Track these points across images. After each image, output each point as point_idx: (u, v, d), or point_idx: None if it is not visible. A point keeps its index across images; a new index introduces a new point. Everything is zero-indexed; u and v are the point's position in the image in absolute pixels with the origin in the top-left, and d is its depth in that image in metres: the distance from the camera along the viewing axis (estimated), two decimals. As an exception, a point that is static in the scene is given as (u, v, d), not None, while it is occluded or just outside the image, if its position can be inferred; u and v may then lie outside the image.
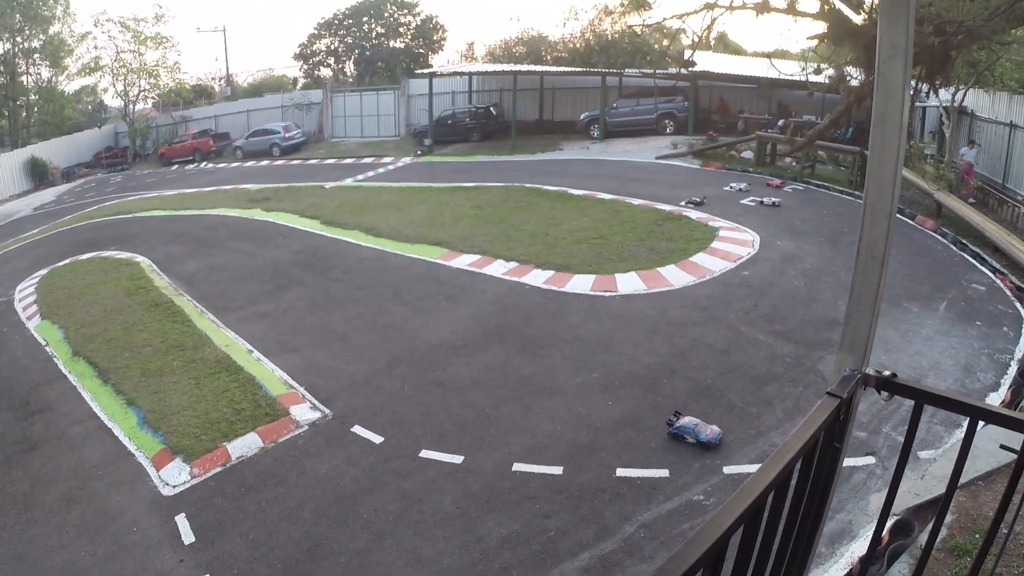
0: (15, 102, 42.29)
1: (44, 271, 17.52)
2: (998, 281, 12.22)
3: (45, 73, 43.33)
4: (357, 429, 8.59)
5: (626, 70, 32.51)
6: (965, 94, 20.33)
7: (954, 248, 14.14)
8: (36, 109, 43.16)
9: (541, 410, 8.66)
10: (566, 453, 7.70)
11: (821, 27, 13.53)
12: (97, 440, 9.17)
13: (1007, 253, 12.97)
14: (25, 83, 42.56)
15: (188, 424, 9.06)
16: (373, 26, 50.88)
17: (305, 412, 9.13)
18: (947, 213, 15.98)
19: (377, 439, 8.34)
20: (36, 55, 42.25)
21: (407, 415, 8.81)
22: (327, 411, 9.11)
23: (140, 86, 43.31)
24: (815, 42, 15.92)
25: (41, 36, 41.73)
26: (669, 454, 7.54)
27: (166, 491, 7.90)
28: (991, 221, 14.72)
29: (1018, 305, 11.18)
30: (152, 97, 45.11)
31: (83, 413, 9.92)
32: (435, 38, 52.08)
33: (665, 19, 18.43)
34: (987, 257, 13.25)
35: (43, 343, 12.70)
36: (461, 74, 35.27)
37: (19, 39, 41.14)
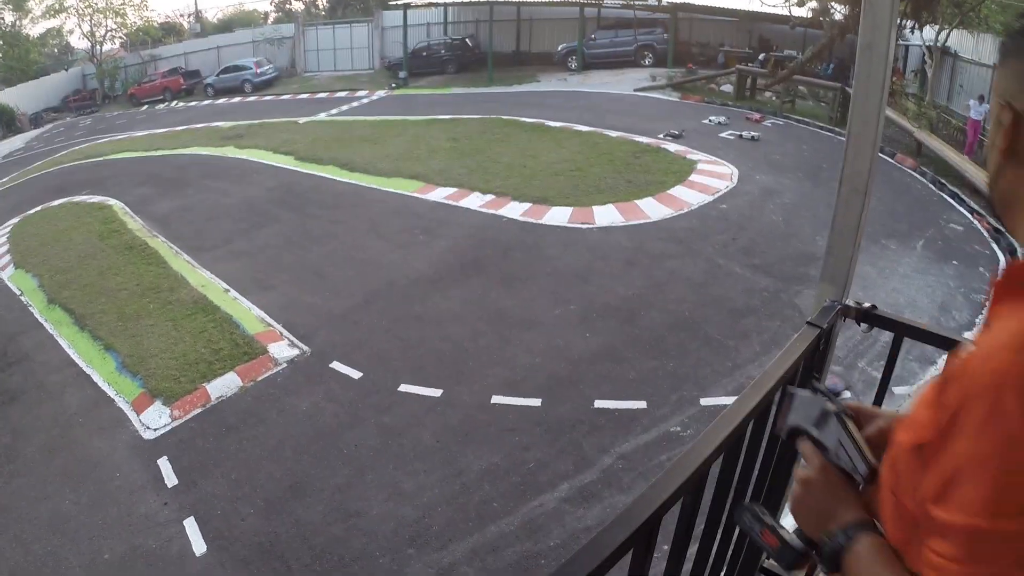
0: (-23, 47, 41.16)
1: (15, 219, 17.18)
2: (976, 222, 12.25)
3: (8, 17, 42.01)
4: (336, 365, 8.59)
5: (605, 1, 31.99)
6: (949, 34, 20.16)
7: (933, 187, 14.12)
8: (0, 55, 42.04)
9: (519, 343, 8.68)
10: (544, 385, 7.74)
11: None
12: (76, 387, 9.14)
13: (985, 194, 12.92)
14: (-12, 28, 41.40)
15: (166, 366, 9.03)
16: (345, -44, 49.66)
17: (283, 349, 9.11)
18: (927, 152, 15.91)
19: (356, 375, 8.35)
20: (-3, -1, 41.04)
21: (386, 350, 8.81)
22: (305, 348, 9.10)
23: (107, 26, 42.08)
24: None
25: (2, -21, 40.49)
26: (646, 386, 7.59)
27: (147, 435, 7.91)
28: (970, 162, 14.68)
29: (994, 246, 11.23)
30: (119, 37, 43.88)
31: (61, 361, 9.85)
32: (409, -32, 50.94)
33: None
34: (966, 198, 13.24)
35: (17, 292, 12.55)
36: (436, 4, 34.52)
37: (-21, -17, 39.90)
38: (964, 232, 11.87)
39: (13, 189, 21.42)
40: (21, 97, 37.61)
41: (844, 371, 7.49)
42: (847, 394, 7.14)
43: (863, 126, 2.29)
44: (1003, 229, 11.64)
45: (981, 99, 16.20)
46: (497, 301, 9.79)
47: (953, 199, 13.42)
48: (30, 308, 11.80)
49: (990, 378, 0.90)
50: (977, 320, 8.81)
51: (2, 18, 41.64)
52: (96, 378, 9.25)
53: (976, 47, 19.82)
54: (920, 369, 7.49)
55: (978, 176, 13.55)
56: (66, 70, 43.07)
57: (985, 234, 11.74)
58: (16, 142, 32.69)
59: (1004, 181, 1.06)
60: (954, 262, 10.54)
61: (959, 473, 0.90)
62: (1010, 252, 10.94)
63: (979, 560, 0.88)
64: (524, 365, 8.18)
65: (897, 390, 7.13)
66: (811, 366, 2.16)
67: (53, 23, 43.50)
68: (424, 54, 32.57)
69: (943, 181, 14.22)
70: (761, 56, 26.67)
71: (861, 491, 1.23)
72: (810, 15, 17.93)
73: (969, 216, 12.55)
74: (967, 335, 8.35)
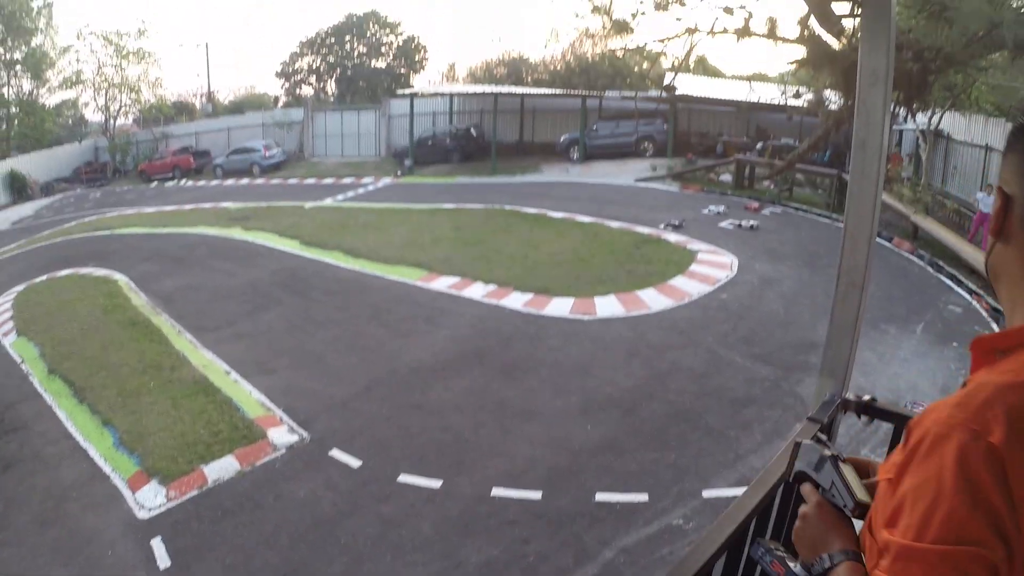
0: (-5, 114, 42.04)
1: (21, 287, 17.33)
2: (974, 302, 12.41)
3: (26, 85, 43.10)
4: (335, 452, 8.54)
5: (606, 92, 32.81)
6: (941, 117, 20.66)
7: (931, 270, 14.36)
8: (16, 122, 42.79)
9: (520, 434, 8.68)
10: (545, 477, 7.71)
11: (801, 52, 13.73)
12: (72, 461, 9.05)
13: (983, 274, 13.07)
14: (6, 95, 42.26)
15: (164, 446, 8.98)
16: (355, 45, 51.08)
17: (283, 435, 9.08)
18: (924, 235, 16.20)
19: (355, 463, 8.30)
20: (18, 67, 41.98)
21: (386, 438, 8.79)
22: (305, 434, 9.06)
23: (121, 101, 43.23)
24: (794, 66, 16.16)
25: (23, 47, 41.48)
26: (648, 478, 7.57)
27: (142, 514, 7.81)
28: (967, 243, 14.92)
29: (994, 326, 11.33)
30: (133, 113, 44.95)
31: (59, 433, 9.79)
32: (417, 58, 52.36)
33: (646, 44, 18.69)
34: (963, 279, 13.45)
35: (19, 360, 12.56)
36: (442, 95, 35.46)
37: (1, 50, 40.92)
38: (963, 313, 12.00)
39: (20, 256, 21.65)
40: (34, 165, 38.28)
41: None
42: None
43: (859, 221, 2.39)
44: (1001, 309, 11.74)
45: (990, 188, 15.32)
46: (498, 392, 9.81)
47: (951, 281, 13.61)
48: (30, 377, 11.78)
49: (933, 426, 1.12)
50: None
51: (20, 86, 42.61)
52: (93, 452, 9.16)
53: (968, 128, 20.27)
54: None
55: (975, 257, 13.75)
56: (79, 142, 43.91)
57: (984, 314, 11.88)
58: (26, 209, 33.14)
59: (993, 257, 1.29)
60: (954, 344, 10.62)
61: (903, 501, 1.12)
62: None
63: (901, 574, 1.07)
64: (525, 457, 8.17)
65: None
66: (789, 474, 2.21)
67: (69, 94, 44.69)
68: (429, 143, 33.26)
69: (941, 263, 14.44)
70: (759, 145, 27.26)
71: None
72: (806, 105, 18.42)
73: (968, 297, 12.71)
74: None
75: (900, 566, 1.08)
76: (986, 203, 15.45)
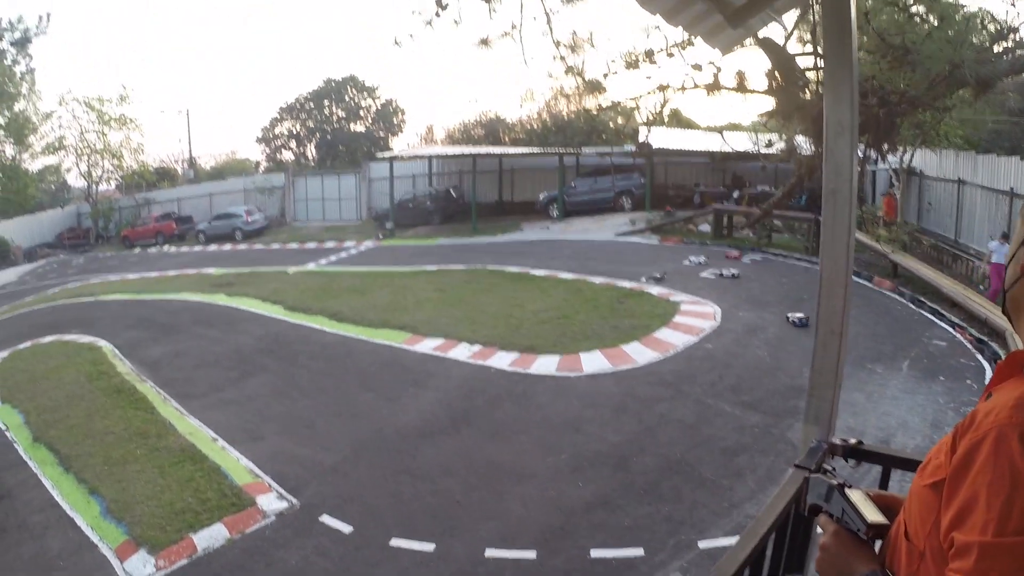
0: (-23, 179, 42.05)
1: (4, 353, 17.19)
2: (958, 335, 12.62)
3: (9, 151, 43.21)
4: (325, 519, 8.46)
5: (583, 149, 33.31)
6: (912, 155, 21.08)
7: (912, 306, 14.62)
8: (-1, 187, 42.93)
9: (512, 494, 8.64)
10: (539, 537, 7.67)
11: (770, 102, 14.02)
12: (59, 530, 8.90)
13: (964, 307, 13.37)
14: (-11, 160, 42.41)
15: (152, 514, 8.86)
16: (334, 110, 51.71)
17: (272, 502, 8.99)
18: (903, 272, 16.47)
19: (346, 528, 8.23)
20: (0, 132, 42.17)
21: (376, 503, 8.72)
22: (294, 500, 8.97)
23: (104, 167, 43.36)
24: (765, 117, 16.51)
25: (6, 112, 41.67)
26: (643, 532, 7.55)
27: (130, 584, 7.71)
28: (946, 277, 15.20)
29: (980, 357, 11.52)
30: (115, 178, 45.09)
31: (44, 501, 9.64)
32: (395, 121, 53.04)
33: (620, 102, 19.03)
34: (945, 312, 13.68)
35: (3, 427, 12.40)
36: (421, 157, 35.83)
37: (-16, 115, 41.13)
38: (948, 347, 12.18)
39: (3, 323, 21.54)
40: (17, 230, 38.29)
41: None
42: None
43: (834, 267, 2.47)
44: (985, 340, 11.92)
45: (1005, 238, 14.45)
46: (488, 452, 9.78)
47: (934, 316, 13.85)
48: (15, 444, 11.63)
49: (993, 427, 1.17)
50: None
51: (3, 151, 42.70)
52: (80, 522, 9.02)
53: (940, 164, 20.69)
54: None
55: (955, 290, 13.95)
56: (62, 207, 44.06)
57: (969, 346, 12.05)
58: (9, 275, 33.07)
59: (1017, 289, 1.35)
60: (941, 378, 10.77)
61: (972, 502, 1.16)
62: (995, 361, 11.17)
63: (988, 571, 1.11)
64: (517, 517, 8.12)
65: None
66: (802, 508, 2.25)
67: (52, 160, 44.74)
68: (410, 205, 33.54)
69: (922, 299, 14.70)
70: (736, 194, 27.68)
71: (880, 547, 1.50)
72: (779, 153, 18.79)
73: (951, 330, 12.90)
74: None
75: (986, 564, 1.12)
76: (1000, 253, 14.52)
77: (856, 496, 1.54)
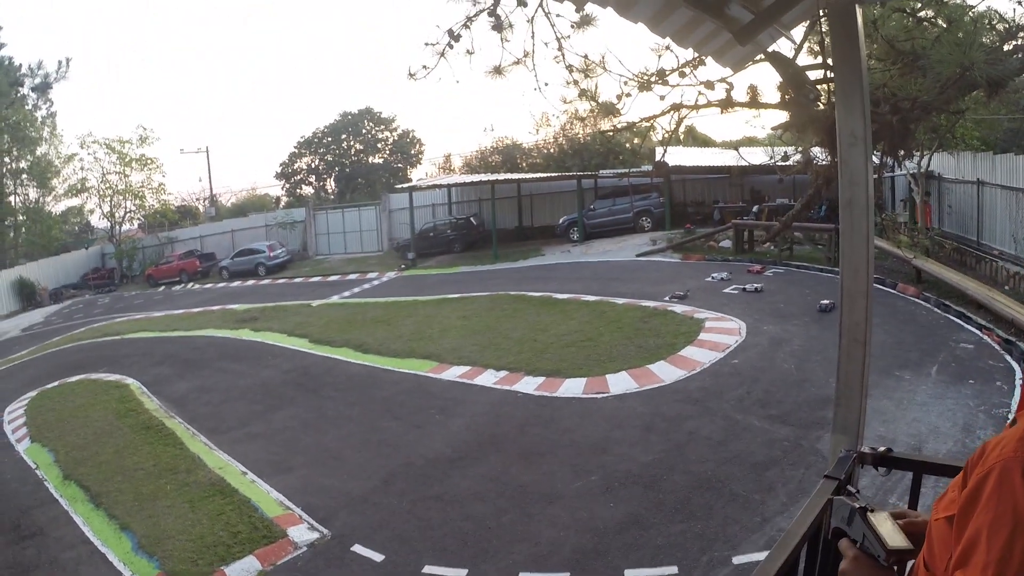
0: (3, 222, 42.97)
1: (33, 393, 17.46)
2: (985, 337, 12.46)
3: (32, 194, 44.12)
4: (357, 548, 8.47)
5: (600, 171, 33.36)
6: (930, 159, 20.93)
7: (938, 311, 14.46)
8: (24, 229, 43.71)
9: (543, 517, 8.61)
10: (571, 559, 7.64)
11: (783, 116, 13.95)
12: (91, 566, 8.99)
13: (990, 308, 13.19)
14: (13, 203, 43.30)
15: (184, 549, 8.91)
16: (352, 143, 52.20)
17: (303, 533, 9.02)
18: (927, 277, 16.30)
19: (378, 557, 8.23)
20: (24, 176, 43.01)
21: (407, 531, 8.72)
22: (325, 531, 9.00)
23: (126, 207, 43.93)
24: (779, 131, 16.43)
25: (29, 157, 42.66)
26: (676, 550, 7.50)
27: (165, 620, 7.75)
28: (971, 279, 15.02)
29: (1008, 358, 11.38)
30: (138, 218, 45.67)
31: (75, 538, 9.74)
32: (413, 152, 53.45)
33: (635, 122, 18.98)
34: (971, 315, 13.51)
35: (33, 466, 12.58)
36: (440, 186, 35.99)
37: (7, 160, 42.03)
38: (975, 350, 12.03)
39: (32, 362, 21.85)
40: (42, 272, 38.85)
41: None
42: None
43: (855, 277, 2.47)
44: (1013, 340, 11.77)
45: None
46: (517, 477, 9.76)
47: (960, 319, 13.68)
48: (45, 483, 11.78)
49: (999, 461, 1.13)
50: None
51: (27, 194, 43.45)
52: (111, 557, 9.09)
53: (958, 166, 20.52)
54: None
55: (980, 292, 13.78)
56: (86, 248, 44.61)
57: (997, 348, 11.90)
58: (36, 316, 33.60)
59: None
60: (970, 381, 10.64)
61: (975, 541, 1.12)
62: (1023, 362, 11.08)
63: None
64: (549, 539, 8.09)
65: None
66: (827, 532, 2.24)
67: (75, 202, 45.55)
68: (431, 234, 33.67)
69: (947, 303, 14.51)
70: (755, 208, 27.52)
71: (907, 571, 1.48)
72: (796, 165, 18.71)
73: (978, 333, 12.75)
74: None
75: None
76: None
77: (879, 520, 1.51)
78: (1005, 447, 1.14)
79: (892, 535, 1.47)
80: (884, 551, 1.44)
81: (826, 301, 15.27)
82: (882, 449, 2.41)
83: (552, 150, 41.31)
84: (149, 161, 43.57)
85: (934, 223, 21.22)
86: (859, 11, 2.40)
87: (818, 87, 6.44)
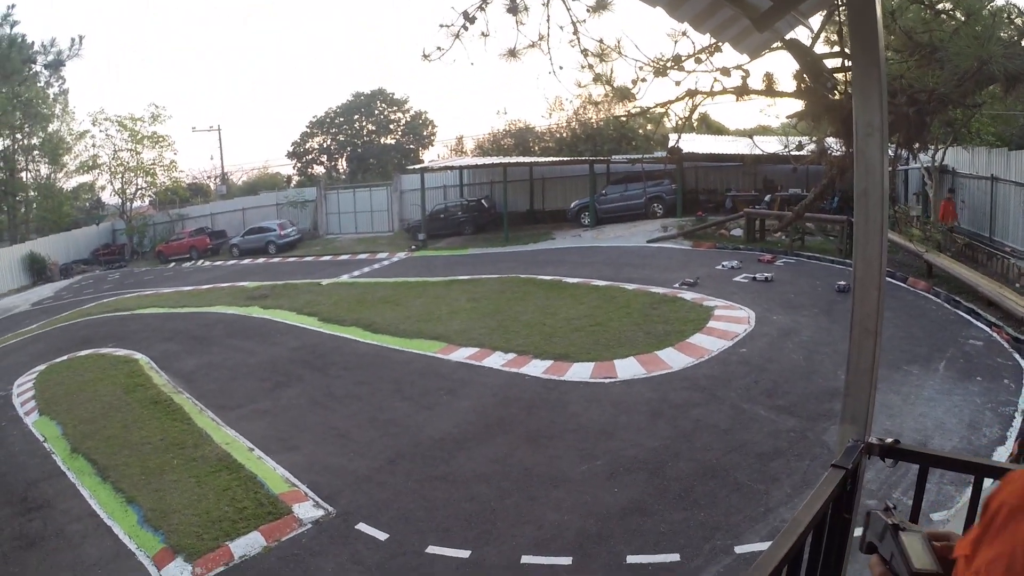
0: (14, 198, 43.10)
1: (42, 366, 17.59)
2: (995, 335, 12.43)
3: (44, 170, 44.28)
4: (361, 526, 8.53)
5: (613, 157, 33.17)
6: (944, 153, 20.76)
7: (948, 306, 14.42)
8: (35, 205, 43.89)
9: (547, 500, 8.64)
10: (574, 543, 7.66)
11: (799, 104, 13.86)
12: (96, 538, 9.07)
13: (1001, 305, 13.15)
14: (24, 179, 43.48)
15: (189, 523, 8.98)
16: (364, 123, 52.06)
17: (308, 510, 9.07)
18: (938, 272, 16.24)
19: (382, 536, 8.28)
20: (35, 152, 43.19)
21: (412, 511, 8.76)
22: (330, 508, 9.05)
23: (137, 184, 44.04)
24: (794, 119, 16.30)
25: (40, 134, 42.73)
26: (679, 537, 7.52)
27: (169, 593, 7.81)
28: (982, 276, 14.96)
29: (1017, 356, 11.36)
30: (149, 195, 45.77)
31: (82, 510, 9.82)
32: (425, 133, 53.29)
33: (649, 108, 18.86)
34: (981, 312, 13.47)
35: (41, 439, 12.68)
36: (452, 168, 35.89)
37: (19, 136, 42.14)
38: (984, 346, 12.02)
39: (41, 336, 21.98)
40: (53, 248, 39.01)
41: (878, 504, 7.39)
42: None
43: (867, 268, 2.45)
44: (1023, 338, 11.72)
45: None
46: (523, 459, 9.79)
47: (969, 315, 13.67)
48: (53, 455, 11.89)
49: (1010, 498, 1.09)
50: (1008, 434, 8.86)
51: (38, 170, 43.59)
52: (117, 530, 9.18)
53: (973, 160, 20.38)
54: (956, 492, 7.46)
55: (991, 289, 13.72)
56: (97, 224, 44.70)
57: (1006, 345, 11.87)
58: (46, 291, 33.77)
59: None
60: (978, 378, 10.62)
61: (982, 572, 1.08)
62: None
63: None
64: (553, 523, 8.12)
65: (936, 516, 7.09)
66: (840, 508, 2.23)
67: (86, 178, 45.61)
68: (442, 216, 33.60)
69: (957, 299, 14.47)
70: (767, 197, 27.38)
71: None
72: (810, 155, 18.59)
73: (988, 330, 12.72)
74: (998, 452, 8.34)
75: None
76: None
77: (910, 540, 1.45)
78: (1017, 482, 1.11)
79: (920, 556, 1.42)
80: (908, 572, 1.40)
81: (842, 282, 15.56)
82: (890, 440, 2.40)
83: (565, 134, 41.11)
84: (161, 139, 43.62)
85: (961, 222, 20.96)
86: (878, 1, 2.37)
87: (835, 76, 6.38)
